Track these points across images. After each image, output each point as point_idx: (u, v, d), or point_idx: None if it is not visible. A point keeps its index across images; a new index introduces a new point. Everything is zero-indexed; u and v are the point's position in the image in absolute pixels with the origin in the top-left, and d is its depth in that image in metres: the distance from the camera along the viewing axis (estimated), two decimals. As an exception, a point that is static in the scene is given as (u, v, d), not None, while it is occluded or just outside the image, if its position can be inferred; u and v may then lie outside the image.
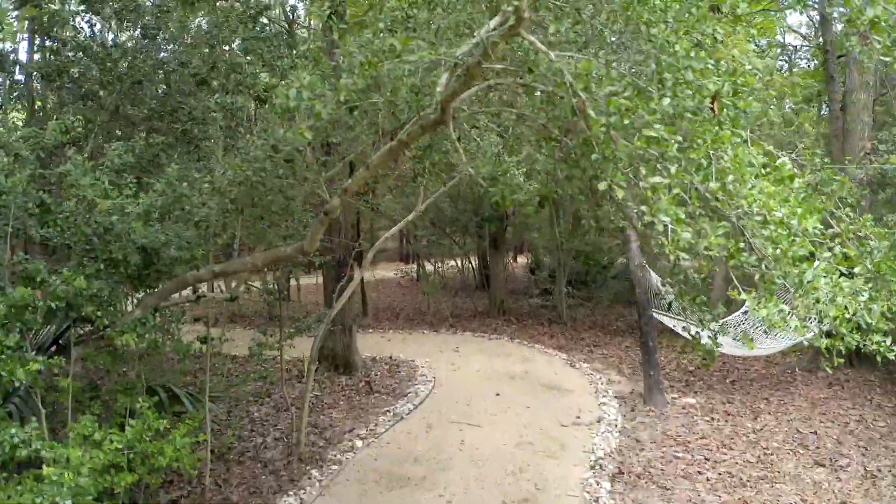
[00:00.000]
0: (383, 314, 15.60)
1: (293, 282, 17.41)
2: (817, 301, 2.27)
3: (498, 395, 8.86)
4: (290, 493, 5.97)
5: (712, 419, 8.12)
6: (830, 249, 2.67)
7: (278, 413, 8.22)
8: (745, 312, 10.30)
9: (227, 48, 5.87)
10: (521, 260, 24.18)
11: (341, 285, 6.64)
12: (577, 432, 7.49)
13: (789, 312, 2.40)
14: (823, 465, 6.71)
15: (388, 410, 8.16)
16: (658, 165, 2.06)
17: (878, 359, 2.65)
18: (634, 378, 9.87)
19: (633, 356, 11.31)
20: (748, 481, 6.28)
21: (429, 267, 17.26)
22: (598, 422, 7.79)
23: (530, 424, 7.70)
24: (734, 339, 9.88)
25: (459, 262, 17.68)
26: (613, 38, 2.95)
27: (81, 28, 7.32)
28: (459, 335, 13.14)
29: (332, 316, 6.35)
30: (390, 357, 10.98)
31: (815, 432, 7.59)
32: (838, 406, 8.58)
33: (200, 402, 5.68)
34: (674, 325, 9.37)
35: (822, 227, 2.57)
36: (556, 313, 14.49)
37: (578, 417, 7.96)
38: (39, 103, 7.47)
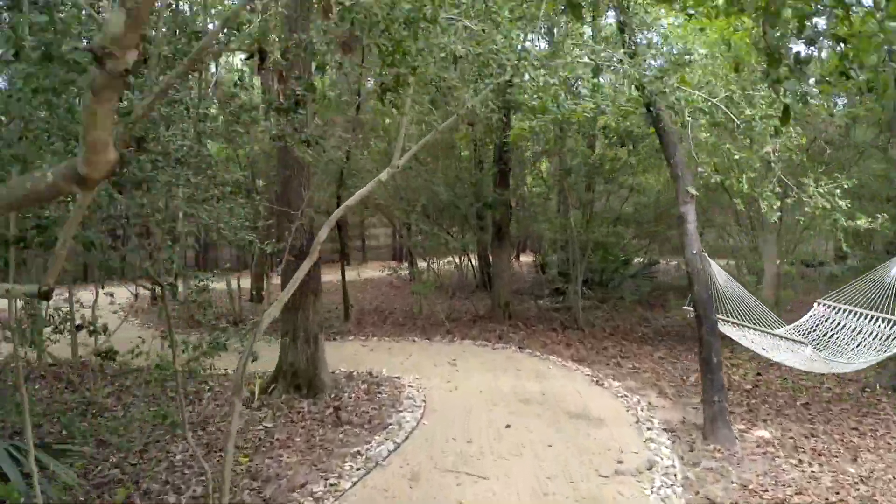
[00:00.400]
0: (368, 318, 13.36)
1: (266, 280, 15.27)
2: None
3: (508, 426, 6.67)
4: None
5: (799, 461, 5.97)
6: None
7: (210, 454, 6.02)
8: (816, 315, 8.20)
9: None
10: (524, 259, 22.22)
11: (270, 272, 4.47)
12: (623, 486, 5.31)
13: None
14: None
15: (359, 452, 5.95)
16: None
17: None
18: (681, 401, 7.71)
19: (671, 371, 9.15)
20: (893, 572, 4.15)
21: (421, 263, 15.00)
22: (650, 469, 5.62)
23: (556, 475, 5.51)
24: (816, 348, 7.77)
25: (457, 259, 15.45)
26: None
27: None
28: (457, 343, 10.93)
29: (265, 323, 4.20)
30: (370, 373, 8.74)
31: (946, 480, 5.49)
32: (950, 437, 6.50)
33: (34, 456, 3.48)
34: (742, 337, 7.09)
35: None
36: (570, 317, 12.30)
37: (620, 462, 5.79)
38: None
